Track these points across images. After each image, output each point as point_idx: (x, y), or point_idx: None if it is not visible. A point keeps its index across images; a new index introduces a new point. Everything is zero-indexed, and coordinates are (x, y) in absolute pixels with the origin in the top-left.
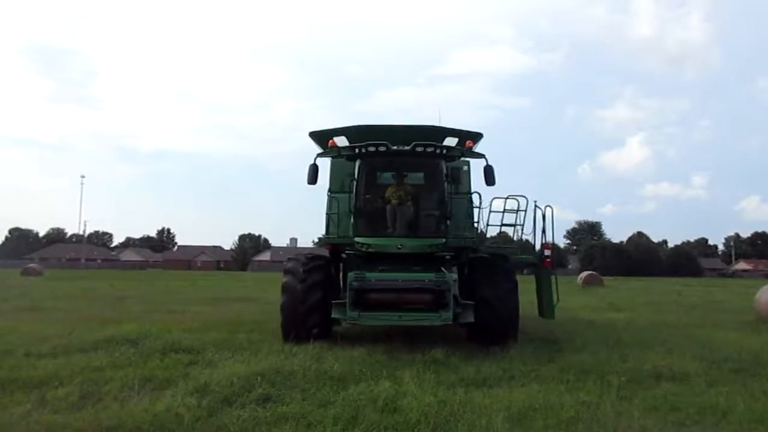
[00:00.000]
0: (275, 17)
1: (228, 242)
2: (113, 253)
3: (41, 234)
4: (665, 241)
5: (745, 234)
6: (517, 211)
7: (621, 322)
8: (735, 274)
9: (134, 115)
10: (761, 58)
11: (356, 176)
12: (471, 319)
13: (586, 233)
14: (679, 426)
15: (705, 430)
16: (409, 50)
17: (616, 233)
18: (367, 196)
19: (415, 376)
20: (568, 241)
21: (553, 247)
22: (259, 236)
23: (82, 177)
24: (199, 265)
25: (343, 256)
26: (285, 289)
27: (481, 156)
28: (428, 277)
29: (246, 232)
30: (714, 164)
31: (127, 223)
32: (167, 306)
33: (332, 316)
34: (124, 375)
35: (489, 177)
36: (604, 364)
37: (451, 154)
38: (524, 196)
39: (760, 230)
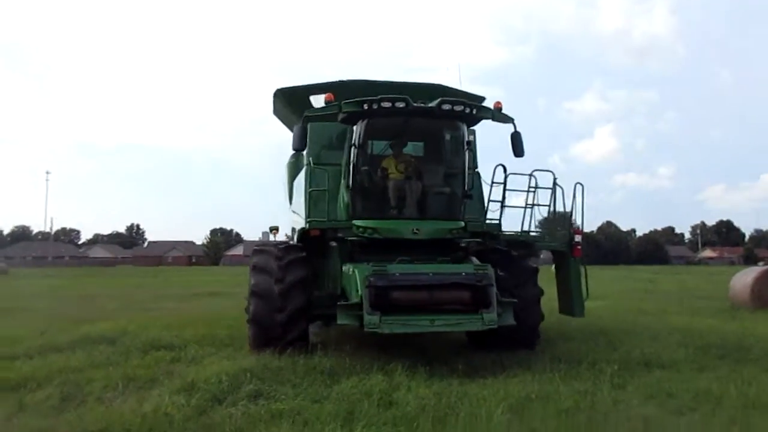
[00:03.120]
0: (244, 10)
1: (199, 237)
2: (81, 250)
3: (5, 232)
4: (634, 230)
5: (710, 222)
6: (536, 188)
7: (601, 309)
8: (701, 262)
9: (98, 109)
10: (725, 51)
11: (356, 142)
12: (512, 321)
13: (558, 223)
14: (677, 413)
15: (704, 417)
16: (380, 43)
17: (586, 223)
18: (365, 169)
19: (407, 369)
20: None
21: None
22: (231, 230)
23: (47, 173)
24: (170, 260)
25: (333, 244)
26: (256, 292)
27: (510, 120)
28: (465, 269)
29: (218, 227)
30: (679, 155)
31: (95, 219)
32: (141, 303)
33: (339, 321)
34: (105, 375)
35: (518, 146)
36: (594, 353)
37: (482, 115)
38: (551, 171)
39: (724, 218)
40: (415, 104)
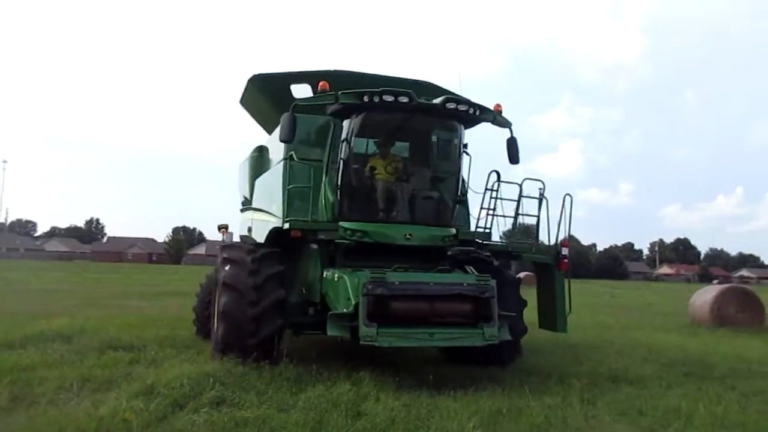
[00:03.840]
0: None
1: (161, 235)
2: (37, 242)
3: None
4: (594, 245)
5: (669, 240)
6: (520, 198)
7: None
8: (659, 278)
9: (62, 102)
10: (689, 72)
11: (348, 137)
12: (508, 336)
13: (522, 236)
14: (650, 431)
15: None
16: (353, 58)
17: (549, 236)
18: (356, 167)
19: (375, 378)
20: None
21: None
22: (194, 229)
23: (4, 162)
24: (130, 257)
25: (313, 247)
26: (228, 285)
27: (508, 124)
28: (467, 280)
29: (180, 225)
30: (640, 173)
31: (52, 211)
32: (100, 300)
33: (329, 333)
34: (59, 374)
35: (513, 152)
36: (562, 367)
37: (483, 117)
38: (540, 180)
39: (681, 236)
40: (419, 100)
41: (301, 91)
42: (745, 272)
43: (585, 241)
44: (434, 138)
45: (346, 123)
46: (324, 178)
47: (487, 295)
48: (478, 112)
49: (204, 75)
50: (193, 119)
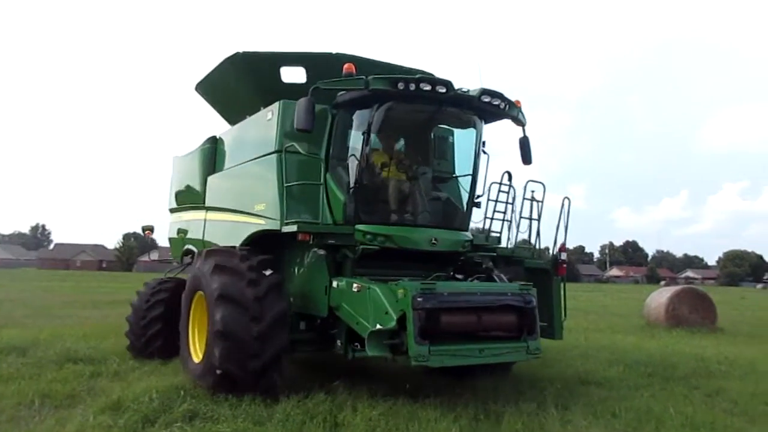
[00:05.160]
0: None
1: (111, 241)
2: None
3: None
4: (547, 248)
5: (618, 242)
6: (512, 202)
7: None
8: (609, 280)
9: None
10: (634, 78)
11: (371, 129)
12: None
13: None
14: None
15: None
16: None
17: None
18: (376, 164)
19: (349, 387)
20: None
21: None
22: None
23: None
24: (78, 264)
25: (320, 252)
26: (225, 297)
27: (525, 123)
28: (510, 289)
29: (131, 231)
30: (590, 177)
31: None
32: (51, 310)
33: (369, 353)
34: (17, 390)
35: (526, 152)
36: (533, 371)
37: (509, 113)
38: (541, 183)
39: (630, 239)
40: (456, 91)
41: (292, 74)
42: (690, 273)
43: (537, 244)
44: (454, 133)
45: (362, 113)
46: (327, 175)
47: (532, 306)
48: (507, 107)
49: (152, 72)
50: (148, 119)
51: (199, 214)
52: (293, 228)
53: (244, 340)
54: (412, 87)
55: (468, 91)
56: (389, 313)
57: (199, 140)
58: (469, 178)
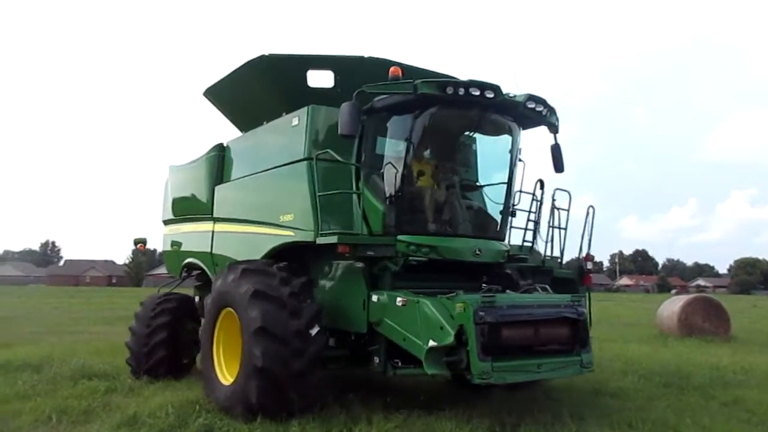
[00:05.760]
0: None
1: (121, 256)
2: None
3: None
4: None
5: (627, 251)
6: (536, 210)
7: None
8: (619, 289)
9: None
10: (640, 86)
11: (410, 138)
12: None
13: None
14: None
15: None
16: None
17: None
18: (406, 172)
19: (363, 400)
20: None
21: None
22: (155, 250)
23: None
24: (88, 280)
25: (357, 265)
26: (266, 331)
27: (558, 130)
28: (562, 300)
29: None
30: (597, 186)
31: (4, 234)
32: (63, 326)
33: (428, 371)
34: (34, 407)
35: (559, 159)
36: (544, 381)
37: (549, 120)
38: (567, 191)
39: (639, 247)
40: (504, 96)
41: (319, 78)
42: (701, 281)
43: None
44: (492, 140)
45: (401, 119)
46: (360, 183)
47: (584, 317)
48: (548, 114)
49: (161, 86)
50: (153, 138)
51: (205, 226)
52: (332, 239)
53: (285, 377)
54: (462, 92)
55: (515, 96)
56: (445, 328)
57: (201, 149)
58: (504, 186)
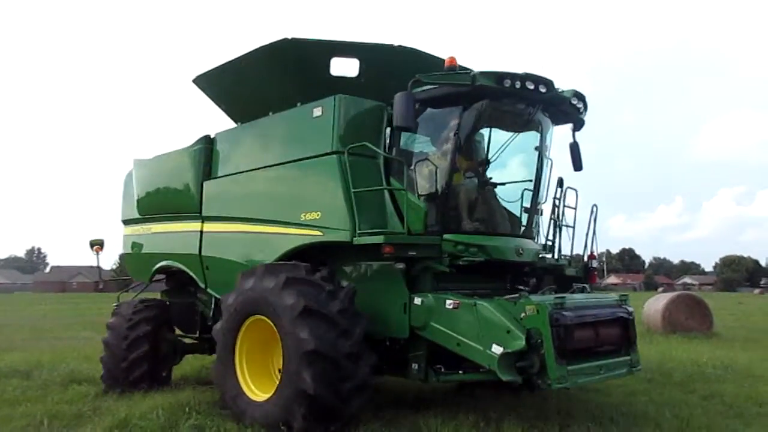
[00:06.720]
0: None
1: (109, 262)
2: None
3: None
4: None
5: (614, 250)
6: (559, 209)
7: None
8: (607, 288)
9: None
10: (627, 86)
11: (458, 132)
12: None
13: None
14: None
15: None
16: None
17: None
18: (451, 170)
19: None
20: None
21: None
22: None
23: None
24: (75, 286)
25: (398, 267)
26: (319, 354)
27: (580, 128)
28: (612, 300)
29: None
30: (584, 185)
31: None
32: (51, 332)
33: (503, 378)
34: (25, 412)
35: (578, 157)
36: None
37: (581, 117)
38: (574, 189)
39: (626, 246)
40: (555, 91)
41: (342, 66)
42: (687, 279)
43: None
44: (524, 135)
45: (443, 111)
46: (390, 179)
47: (633, 317)
48: (584, 112)
49: (142, 90)
50: (138, 140)
51: (189, 225)
52: (377, 239)
53: (332, 402)
54: (518, 84)
55: (563, 92)
56: (512, 332)
57: (173, 143)
58: (538, 184)
